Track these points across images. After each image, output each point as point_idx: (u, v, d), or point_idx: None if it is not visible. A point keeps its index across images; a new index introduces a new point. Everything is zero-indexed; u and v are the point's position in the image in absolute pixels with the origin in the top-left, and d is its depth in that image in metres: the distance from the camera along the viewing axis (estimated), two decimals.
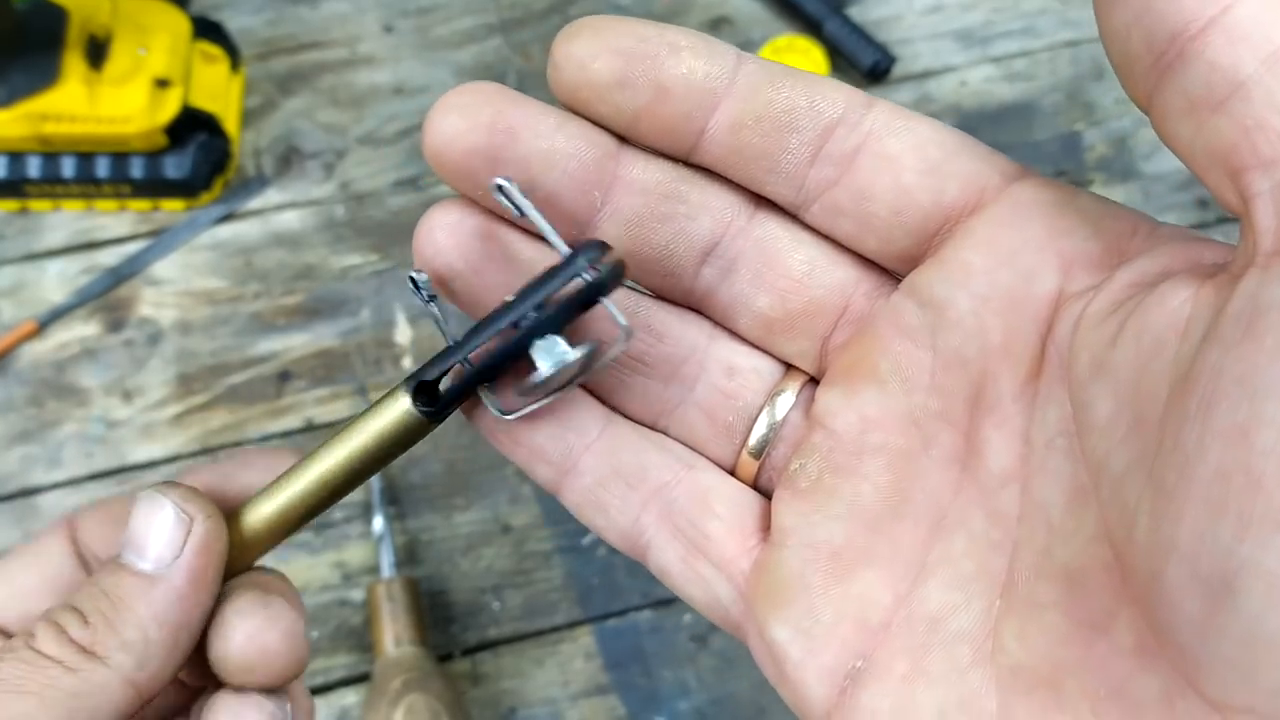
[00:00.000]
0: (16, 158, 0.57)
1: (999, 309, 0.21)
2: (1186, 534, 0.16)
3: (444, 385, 0.22)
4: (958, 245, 0.21)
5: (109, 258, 0.59)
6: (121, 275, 0.58)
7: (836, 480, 0.22)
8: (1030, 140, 0.63)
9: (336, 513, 0.55)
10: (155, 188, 0.58)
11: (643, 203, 0.22)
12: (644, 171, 0.22)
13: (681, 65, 0.21)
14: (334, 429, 0.23)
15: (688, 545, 0.23)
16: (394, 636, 0.50)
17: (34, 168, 0.57)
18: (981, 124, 0.63)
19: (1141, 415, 0.18)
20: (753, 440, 0.23)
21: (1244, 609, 0.15)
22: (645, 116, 0.21)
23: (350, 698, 0.52)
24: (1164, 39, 0.17)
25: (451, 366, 0.22)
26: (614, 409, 0.24)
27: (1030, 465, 0.20)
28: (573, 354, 0.21)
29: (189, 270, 0.59)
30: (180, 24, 0.58)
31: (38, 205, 0.59)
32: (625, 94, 0.21)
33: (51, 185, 0.58)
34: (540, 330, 0.21)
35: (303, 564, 0.54)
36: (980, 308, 0.21)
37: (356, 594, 0.54)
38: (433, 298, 0.22)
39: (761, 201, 0.23)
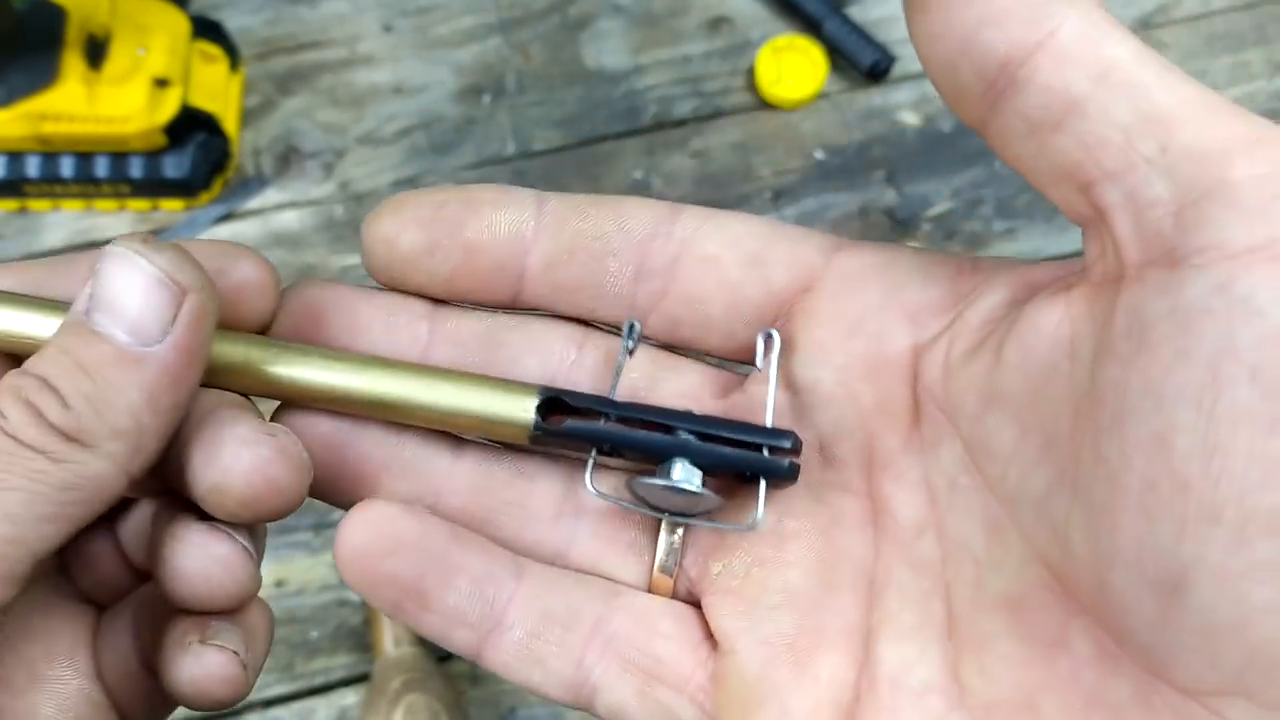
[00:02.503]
0: (16, 157, 0.57)
1: (863, 374, 0.21)
2: (1127, 543, 0.17)
3: (569, 424, 0.21)
4: (804, 326, 0.22)
5: None
6: None
7: (765, 572, 0.21)
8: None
9: (336, 513, 0.55)
10: (154, 187, 0.58)
11: (461, 353, 0.22)
12: (459, 324, 0.22)
13: (483, 221, 0.22)
14: (419, 367, 0.22)
15: (642, 675, 0.21)
16: (394, 637, 0.50)
17: (33, 167, 0.57)
18: None
19: (1051, 436, 0.18)
20: (660, 557, 0.22)
21: (1196, 602, 0.16)
22: (459, 276, 0.22)
23: (350, 698, 0.52)
24: (993, 68, 0.18)
25: (594, 408, 0.21)
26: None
27: (940, 508, 0.21)
28: (701, 490, 0.21)
29: None
30: (179, 24, 0.58)
31: (37, 205, 0.59)
32: (435, 259, 0.22)
33: (51, 185, 0.58)
34: (696, 455, 0.21)
35: (302, 564, 0.54)
36: (845, 378, 0.21)
37: (356, 594, 0.54)
38: (632, 352, 0.22)
39: (591, 330, 0.23)
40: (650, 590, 0.23)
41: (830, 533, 0.21)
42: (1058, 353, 0.18)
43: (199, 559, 0.20)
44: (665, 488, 0.21)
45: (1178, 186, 0.17)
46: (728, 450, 0.21)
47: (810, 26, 0.64)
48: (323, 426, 0.22)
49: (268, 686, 0.52)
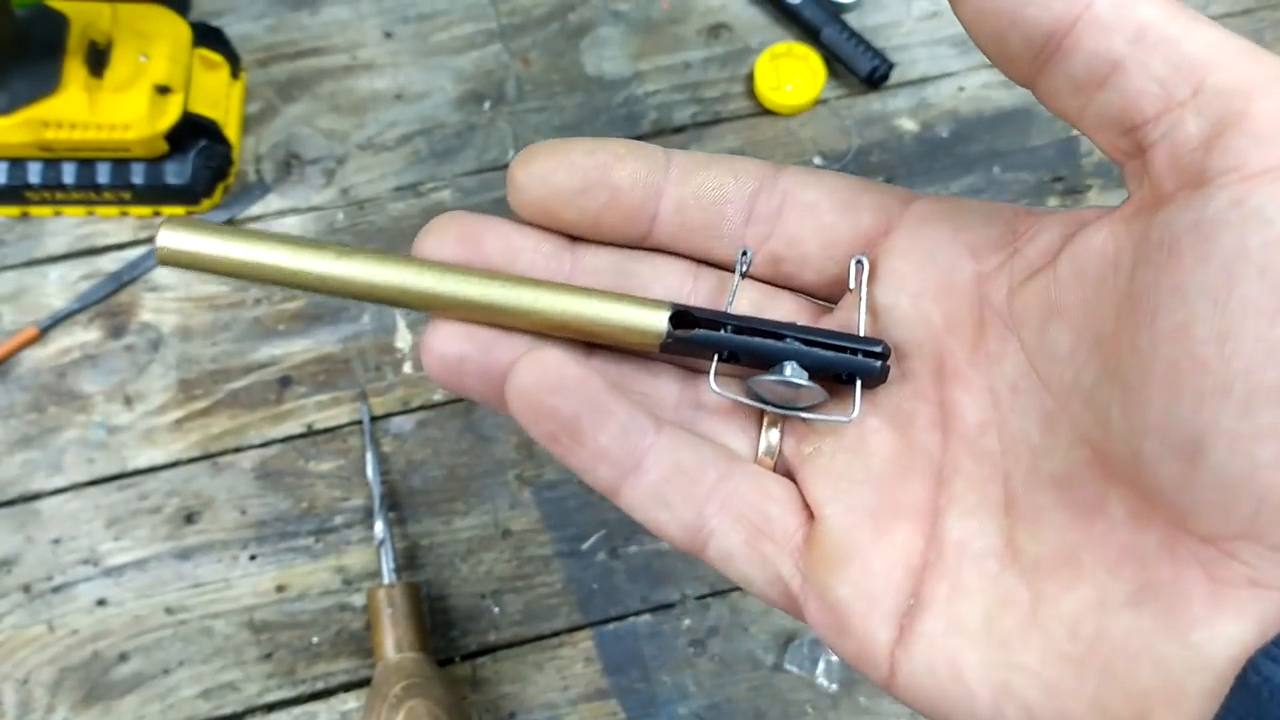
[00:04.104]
0: (17, 164, 0.57)
1: (934, 298, 0.25)
2: (1155, 415, 0.20)
3: (694, 333, 0.25)
4: (885, 260, 0.25)
5: (110, 263, 0.59)
6: (122, 281, 0.59)
7: (850, 456, 0.25)
8: (1027, 146, 0.63)
9: (337, 518, 0.55)
10: (156, 194, 0.59)
11: (598, 280, 0.26)
12: (596, 258, 0.26)
13: (627, 168, 0.25)
14: (547, 283, 0.25)
15: (752, 529, 0.25)
16: (394, 641, 0.50)
17: (35, 173, 0.57)
18: (979, 129, 0.63)
19: (1098, 337, 0.22)
20: (764, 441, 0.26)
21: (1213, 461, 0.19)
22: (605, 214, 0.25)
23: (351, 703, 0.53)
24: (1040, 38, 0.20)
25: (716, 319, 0.25)
26: None
27: (1001, 410, 0.24)
28: (810, 384, 0.25)
29: (189, 276, 0.59)
30: (181, 31, 0.58)
31: (38, 211, 0.59)
32: (587, 198, 0.25)
33: (52, 191, 0.58)
34: (802, 358, 0.25)
35: (304, 569, 0.54)
36: (919, 302, 0.25)
37: (357, 599, 0.54)
38: (745, 273, 0.26)
39: (702, 266, 0.27)
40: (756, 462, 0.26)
41: (905, 431, 0.25)
42: (1104, 266, 0.22)
43: None
44: (778, 382, 0.25)
45: (1207, 122, 0.19)
46: (830, 354, 0.25)
47: (809, 33, 0.64)
48: (480, 333, 0.25)
49: (269, 691, 0.53)
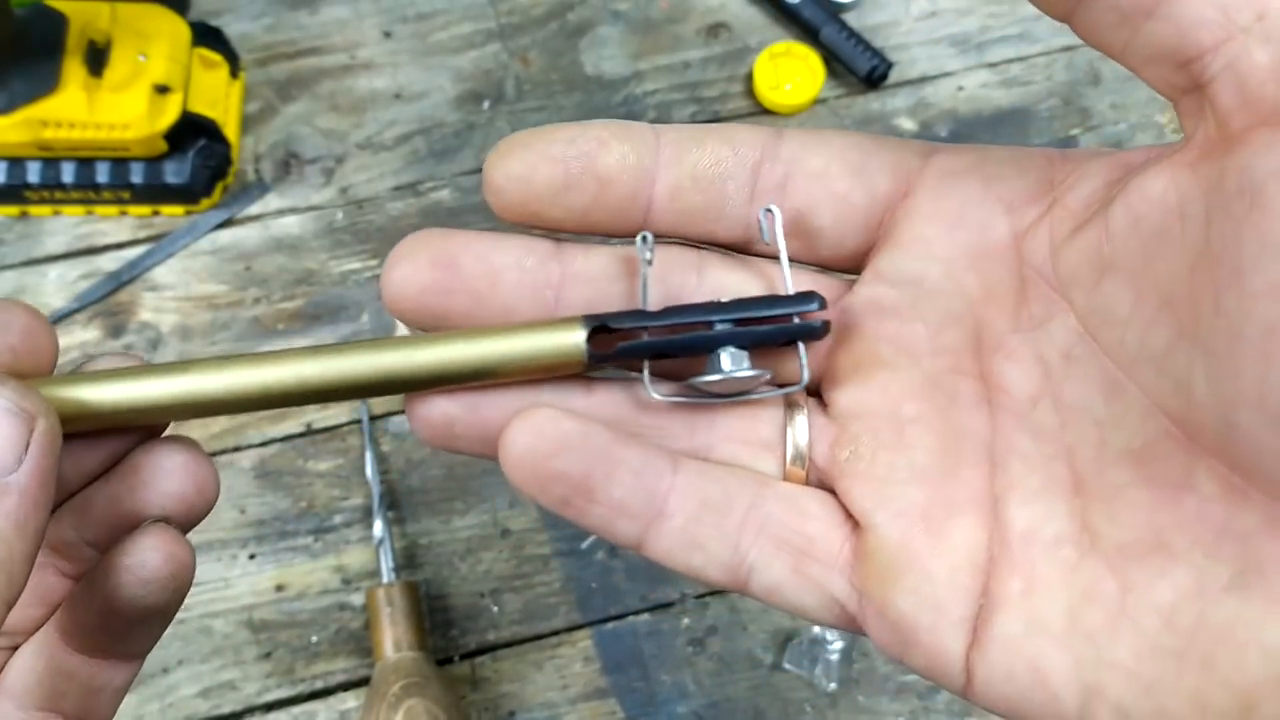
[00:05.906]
0: (16, 163, 0.57)
1: (968, 264, 0.23)
2: (1250, 385, 0.18)
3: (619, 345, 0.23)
4: (909, 224, 0.23)
5: (109, 263, 0.59)
6: (121, 280, 0.59)
7: (890, 455, 0.23)
8: (1027, 146, 0.63)
9: (336, 517, 0.55)
10: (155, 193, 0.59)
11: (594, 290, 0.23)
12: (588, 261, 0.24)
13: (613, 154, 0.23)
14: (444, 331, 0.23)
15: (795, 554, 0.23)
16: (393, 641, 0.50)
17: (34, 173, 0.57)
18: (978, 129, 0.63)
19: (1167, 296, 0.19)
20: (790, 451, 0.24)
21: None
22: (594, 209, 0.23)
23: (350, 702, 0.53)
24: None
25: (636, 326, 0.23)
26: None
27: (1054, 379, 0.22)
28: (751, 371, 0.23)
29: (189, 275, 0.59)
30: (180, 30, 0.58)
31: (37, 211, 0.59)
32: (573, 194, 0.23)
33: (51, 190, 0.58)
34: (739, 340, 0.23)
35: (303, 568, 0.54)
36: (951, 269, 0.23)
37: (356, 598, 0.54)
38: (649, 262, 0.23)
39: (705, 252, 0.24)
40: (787, 479, 0.24)
41: (947, 413, 0.23)
42: (1168, 217, 0.19)
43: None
44: (716, 381, 0.23)
45: (1278, 49, 0.17)
46: (764, 328, 0.23)
47: (808, 33, 0.64)
48: (451, 402, 0.23)
49: (268, 690, 0.53)
